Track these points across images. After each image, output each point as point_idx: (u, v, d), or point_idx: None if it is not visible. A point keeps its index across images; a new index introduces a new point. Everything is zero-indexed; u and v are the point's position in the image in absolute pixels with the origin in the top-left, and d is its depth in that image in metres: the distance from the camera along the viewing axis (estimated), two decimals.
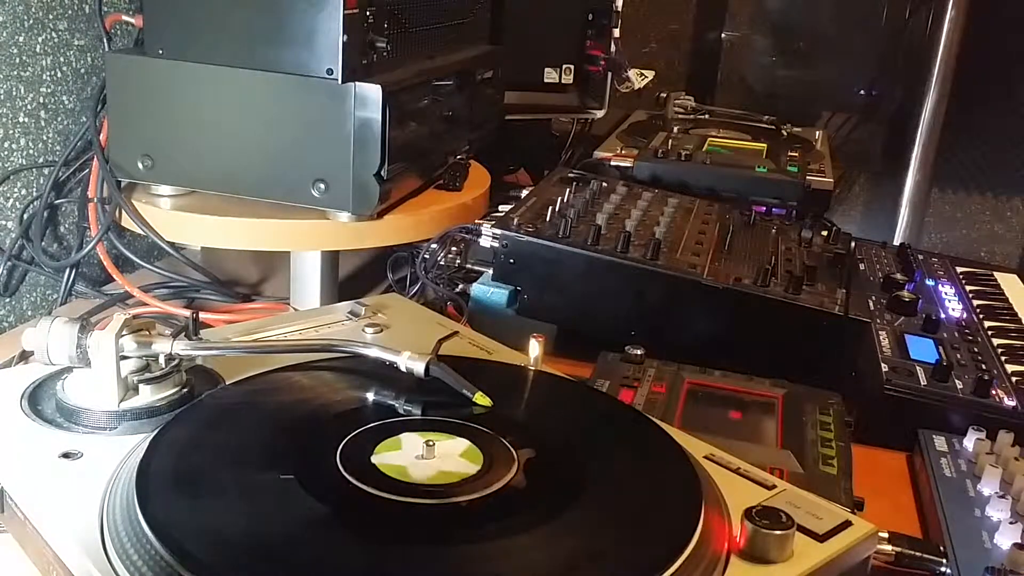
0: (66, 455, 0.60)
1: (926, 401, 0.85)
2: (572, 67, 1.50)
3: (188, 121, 1.00)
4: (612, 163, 1.39)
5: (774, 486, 0.62)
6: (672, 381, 0.85)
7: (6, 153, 1.07)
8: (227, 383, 0.70)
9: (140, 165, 1.02)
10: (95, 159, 1.06)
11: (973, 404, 0.84)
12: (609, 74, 1.52)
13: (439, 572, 0.51)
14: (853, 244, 1.19)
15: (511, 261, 0.99)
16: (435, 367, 0.69)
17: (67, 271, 1.10)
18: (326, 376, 0.72)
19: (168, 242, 1.03)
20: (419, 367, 0.68)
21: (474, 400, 0.67)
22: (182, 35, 0.97)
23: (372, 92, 0.94)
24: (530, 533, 0.54)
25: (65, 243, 1.16)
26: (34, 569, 0.58)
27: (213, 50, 0.97)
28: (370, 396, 0.69)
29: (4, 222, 1.09)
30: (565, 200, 1.10)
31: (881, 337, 0.94)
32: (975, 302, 1.10)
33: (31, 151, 1.11)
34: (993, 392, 0.86)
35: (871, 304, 1.01)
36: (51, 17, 1.10)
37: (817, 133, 1.75)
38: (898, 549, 0.65)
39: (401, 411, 0.67)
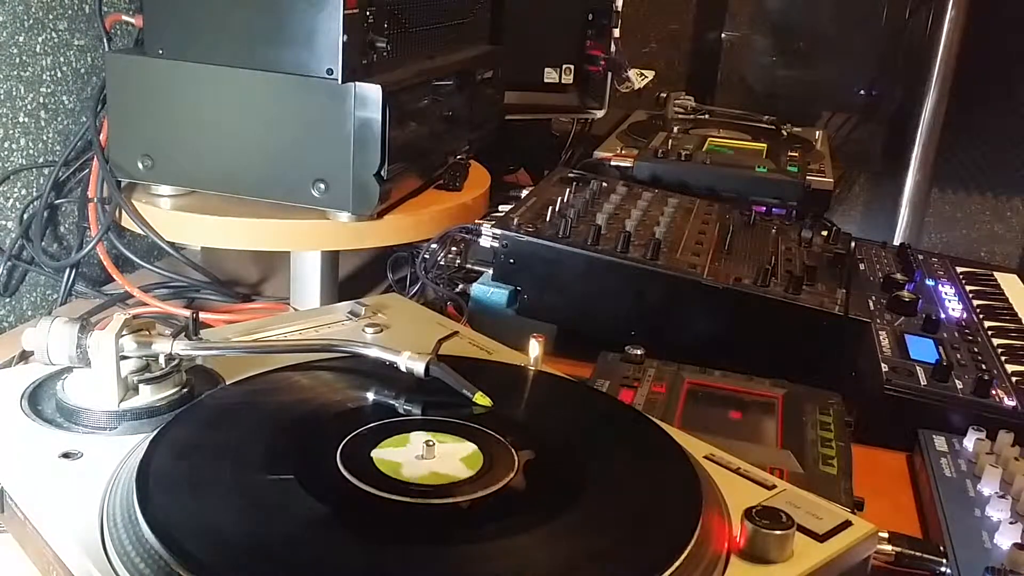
0: (66, 455, 0.60)
1: (926, 401, 0.85)
2: (572, 67, 1.50)
3: (188, 121, 1.00)
4: (612, 163, 1.39)
5: (774, 486, 0.62)
6: (672, 381, 0.85)
7: (6, 153, 1.07)
8: (227, 383, 0.70)
9: (140, 165, 1.02)
10: (95, 159, 1.06)
11: (973, 404, 0.84)
12: (609, 74, 1.52)
13: (439, 572, 0.51)
14: (853, 244, 1.19)
15: (511, 261, 0.99)
16: (435, 367, 0.69)
17: (67, 271, 1.10)
18: (326, 376, 0.72)
19: (168, 242, 1.03)
20: (419, 367, 0.68)
21: (474, 400, 0.67)
22: (182, 35, 0.97)
23: (372, 92, 0.94)
24: (530, 533, 0.54)
25: (65, 243, 1.16)
26: (34, 569, 0.58)
27: (213, 50, 0.97)
28: (370, 396, 0.69)
29: (4, 222, 1.09)
30: (565, 200, 1.10)
31: (881, 337, 0.94)
32: (975, 302, 1.10)
33: (31, 151, 1.11)
34: (993, 392, 0.86)
35: (871, 304, 1.01)
36: (51, 17, 1.10)
37: (817, 133, 1.75)
38: (898, 549, 0.65)
39: (401, 411, 0.67)
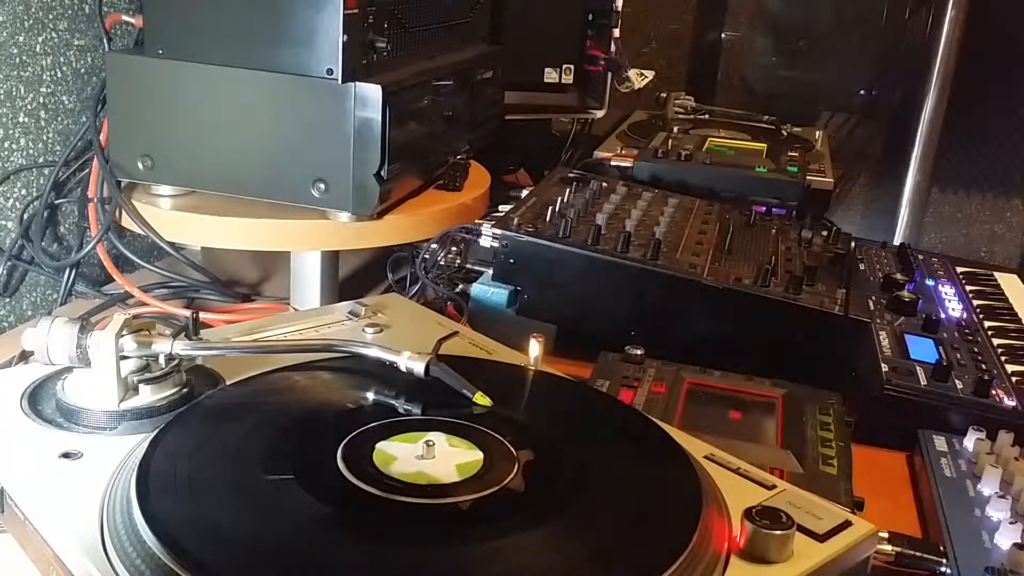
0: (66, 455, 0.60)
1: (926, 401, 0.85)
2: (572, 67, 1.50)
3: (188, 121, 1.00)
4: (612, 163, 1.39)
5: (774, 486, 0.62)
6: (672, 381, 0.85)
7: (6, 153, 1.07)
8: (227, 383, 0.70)
9: (140, 165, 1.02)
10: (95, 159, 1.06)
11: (973, 404, 0.84)
12: (609, 74, 1.52)
13: (439, 572, 0.51)
14: (853, 244, 1.19)
15: (511, 261, 0.99)
16: (435, 367, 0.69)
17: (67, 271, 1.10)
18: (326, 376, 0.72)
19: (168, 242, 1.03)
20: (419, 367, 0.68)
21: (474, 400, 0.67)
22: (182, 35, 0.97)
23: (372, 92, 0.94)
24: (530, 533, 0.54)
25: (65, 243, 1.16)
26: (34, 569, 0.58)
27: (213, 50, 0.97)
28: (370, 396, 0.69)
29: (4, 222, 1.09)
30: (565, 200, 1.10)
31: (881, 337, 0.94)
32: (975, 302, 1.10)
33: (31, 151, 1.11)
34: (993, 392, 0.86)
35: (871, 304, 1.01)
36: (51, 17, 1.10)
37: (817, 133, 1.75)
38: (898, 549, 0.65)
39: (401, 411, 0.67)
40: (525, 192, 1.19)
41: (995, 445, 0.79)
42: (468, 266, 1.10)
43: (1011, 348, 0.97)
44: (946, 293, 1.11)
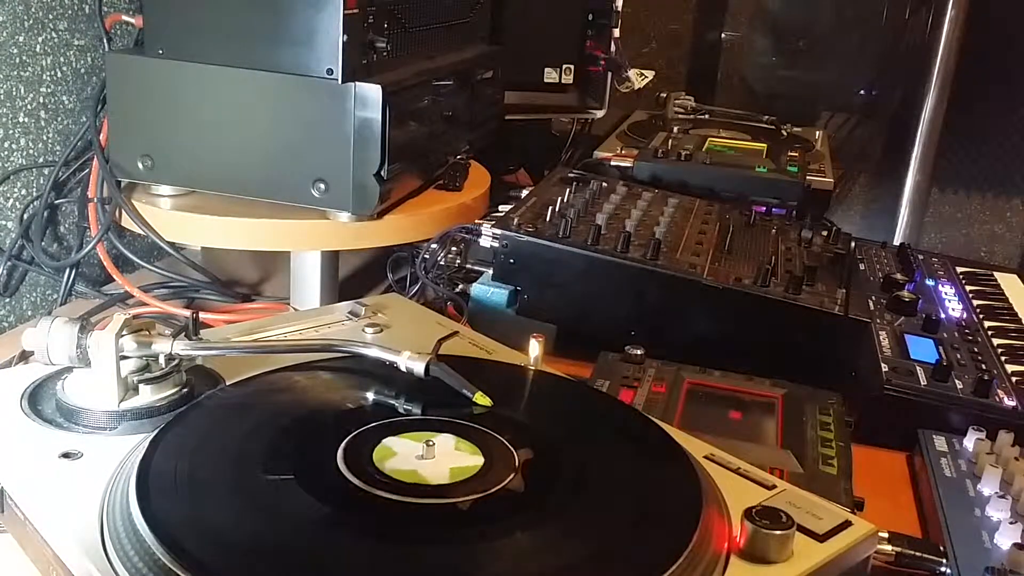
0: (66, 455, 0.60)
1: (926, 401, 0.85)
2: (572, 67, 1.50)
3: (188, 121, 1.00)
4: (612, 163, 1.39)
5: (774, 486, 0.62)
6: (672, 381, 0.85)
7: (6, 153, 1.07)
8: (227, 383, 0.70)
9: (140, 165, 1.02)
10: (95, 159, 1.06)
11: (973, 404, 0.84)
12: (609, 74, 1.52)
13: (439, 572, 0.51)
14: (853, 244, 1.19)
15: (511, 261, 0.99)
16: (435, 367, 0.69)
17: (67, 271, 1.10)
18: (326, 376, 0.72)
19: (168, 242, 1.03)
20: (419, 367, 0.68)
21: (474, 400, 0.67)
22: (182, 35, 0.97)
23: (372, 92, 0.94)
24: (530, 533, 0.54)
25: (65, 243, 1.16)
26: (34, 569, 0.58)
27: (213, 50, 0.97)
28: (370, 396, 0.69)
29: (4, 222, 1.09)
30: (565, 200, 1.10)
31: (881, 337, 0.94)
32: (975, 302, 1.10)
33: (31, 151, 1.11)
34: (993, 392, 0.86)
35: (871, 304, 1.01)
36: (51, 17, 1.10)
37: (817, 133, 1.75)
38: (898, 549, 0.65)
39: (401, 411, 0.67)
40: (525, 192, 1.19)
41: (995, 445, 0.79)
42: (468, 266, 1.10)
43: (1011, 348, 0.97)
44: (946, 293, 1.11)
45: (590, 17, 1.50)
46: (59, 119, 1.14)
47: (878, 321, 0.97)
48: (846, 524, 0.58)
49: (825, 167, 1.48)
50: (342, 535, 0.54)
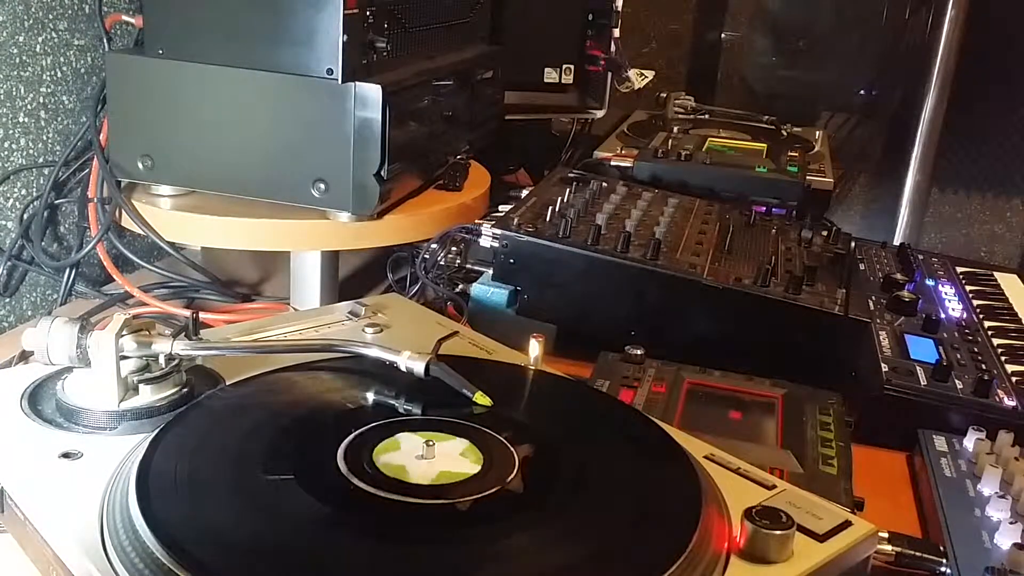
0: (66, 455, 0.60)
1: (926, 401, 0.85)
2: (572, 67, 1.50)
3: (188, 121, 1.00)
4: (612, 163, 1.39)
5: (774, 486, 0.62)
6: (672, 381, 0.85)
7: (6, 153, 1.07)
8: (227, 383, 0.70)
9: (140, 165, 1.02)
10: (95, 159, 1.06)
11: (973, 404, 0.84)
12: (609, 74, 1.52)
13: (439, 572, 0.51)
14: (853, 244, 1.19)
15: (511, 261, 0.99)
16: (435, 367, 0.69)
17: (67, 271, 1.10)
18: (326, 376, 0.72)
19: (168, 242, 1.03)
20: (419, 367, 0.68)
21: (474, 400, 0.67)
22: (182, 35, 0.97)
23: (372, 92, 0.94)
24: (530, 533, 0.54)
25: (65, 243, 1.16)
26: (34, 569, 0.58)
27: (213, 50, 0.97)
28: (370, 396, 0.69)
29: (4, 222, 1.09)
30: (565, 200, 1.10)
31: (881, 337, 0.94)
32: (975, 302, 1.10)
33: (31, 151, 1.11)
34: (993, 392, 0.86)
35: (871, 304, 1.01)
36: (51, 17, 1.10)
37: (817, 133, 1.75)
38: (898, 549, 0.65)
39: (401, 411, 0.67)
40: (525, 192, 1.19)
41: (995, 445, 0.79)
42: (468, 266, 1.10)
43: (1011, 348, 0.97)
44: (946, 293, 1.11)
45: (590, 17, 1.50)
46: (59, 119, 1.14)
47: (878, 321, 0.97)
48: (846, 524, 0.58)
49: (825, 167, 1.48)
50: (342, 535, 0.54)
